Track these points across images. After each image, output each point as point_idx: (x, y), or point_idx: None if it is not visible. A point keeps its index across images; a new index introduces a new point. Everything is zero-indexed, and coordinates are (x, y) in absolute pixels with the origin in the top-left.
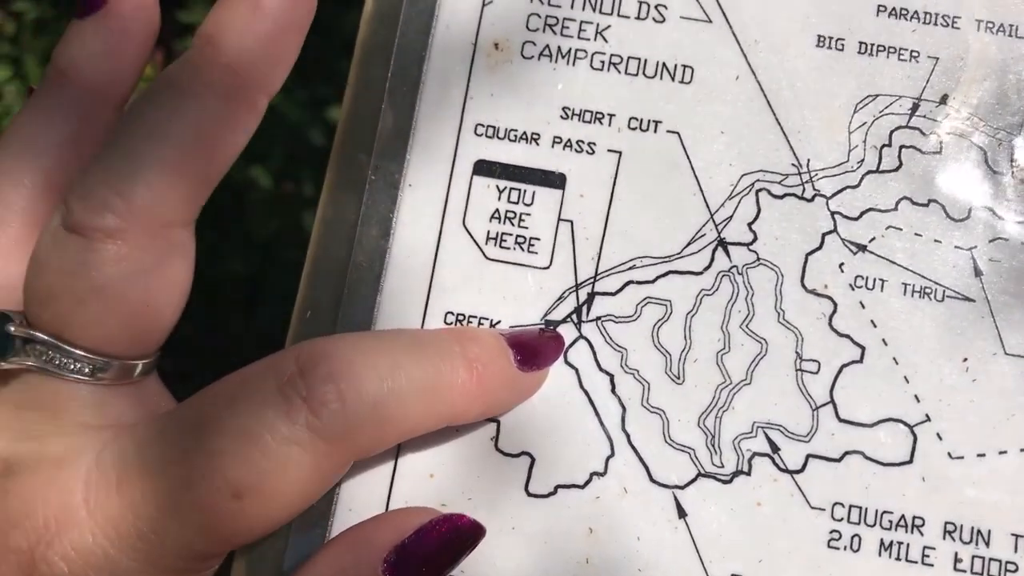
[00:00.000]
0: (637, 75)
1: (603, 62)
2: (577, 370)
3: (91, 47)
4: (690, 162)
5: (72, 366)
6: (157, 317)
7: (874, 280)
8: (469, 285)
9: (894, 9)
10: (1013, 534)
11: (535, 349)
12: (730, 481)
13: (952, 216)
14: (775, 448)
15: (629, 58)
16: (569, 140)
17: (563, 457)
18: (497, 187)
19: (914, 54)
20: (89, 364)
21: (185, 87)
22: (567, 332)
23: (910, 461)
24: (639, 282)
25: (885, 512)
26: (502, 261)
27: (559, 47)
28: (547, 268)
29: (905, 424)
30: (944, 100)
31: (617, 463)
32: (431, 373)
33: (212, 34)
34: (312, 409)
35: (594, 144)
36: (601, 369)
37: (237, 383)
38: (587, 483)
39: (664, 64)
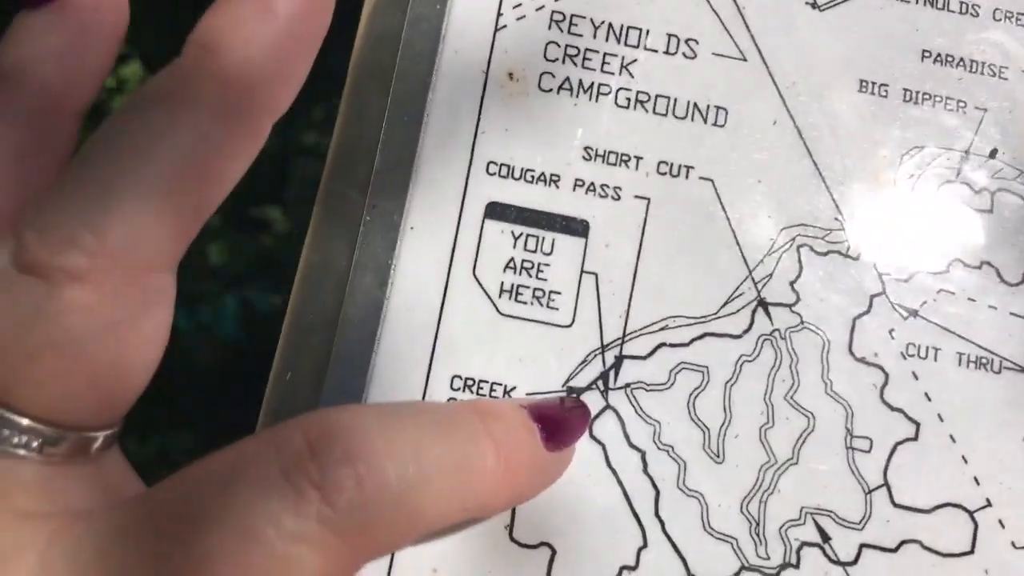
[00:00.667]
0: (666, 115)
1: (629, 99)
2: (604, 446)
3: (44, 45)
4: (725, 212)
5: (16, 439)
6: (126, 380)
7: (927, 348)
8: (480, 345)
9: (939, 55)
10: None
11: (561, 423)
12: (777, 575)
13: (1007, 280)
14: (826, 537)
15: (657, 96)
16: (592, 184)
17: (588, 549)
18: (512, 233)
19: (961, 104)
20: (37, 437)
21: (176, 102)
22: (593, 401)
23: (971, 551)
24: (672, 345)
25: None
26: (518, 317)
27: (580, 80)
28: (569, 326)
29: (965, 510)
30: (993, 155)
31: (650, 555)
32: (459, 457)
33: (210, 41)
34: (325, 498)
35: (620, 189)
36: (631, 445)
37: (230, 464)
38: None
39: (696, 104)
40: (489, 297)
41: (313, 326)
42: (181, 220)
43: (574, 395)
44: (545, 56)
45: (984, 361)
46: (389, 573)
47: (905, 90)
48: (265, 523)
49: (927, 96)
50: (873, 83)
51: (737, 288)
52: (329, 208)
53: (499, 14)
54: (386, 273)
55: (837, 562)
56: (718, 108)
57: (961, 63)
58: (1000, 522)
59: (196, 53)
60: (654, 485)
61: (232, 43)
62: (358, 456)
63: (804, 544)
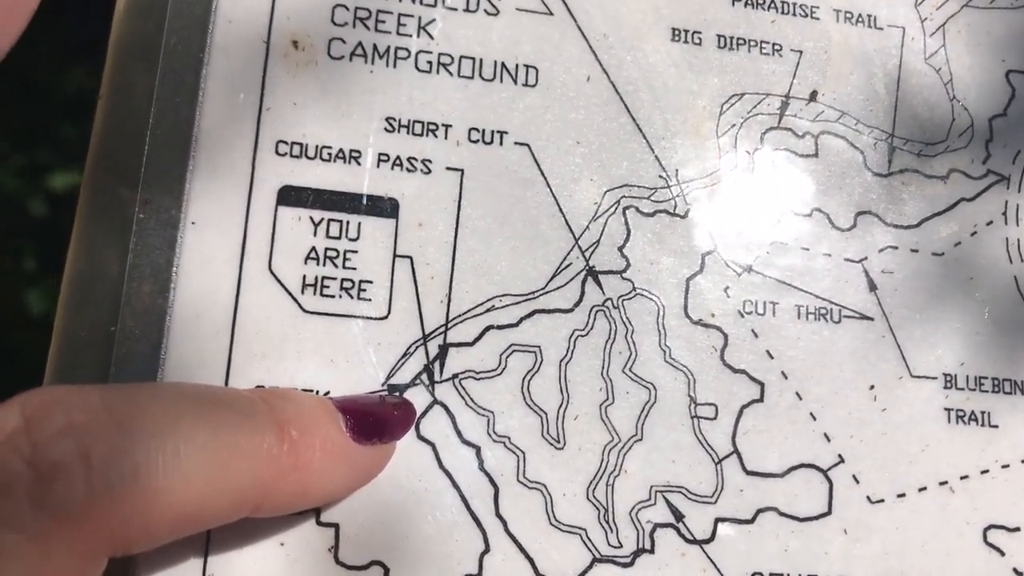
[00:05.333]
0: (473, 77)
1: (430, 63)
2: (434, 445)
3: None
4: (545, 178)
5: None
6: None
7: (764, 304)
8: (284, 347)
9: None
10: None
11: (376, 417)
12: (631, 563)
13: (838, 226)
14: (679, 516)
15: (462, 57)
16: (398, 158)
17: (425, 562)
18: (311, 219)
19: (776, 47)
20: None
21: None
22: (418, 397)
23: (828, 512)
24: (501, 326)
25: None
26: (325, 313)
27: (375, 45)
28: (385, 318)
29: (819, 469)
30: (813, 97)
31: (494, 560)
32: (225, 433)
33: None
34: (39, 474)
35: (429, 162)
36: (464, 441)
37: None
38: None
39: (504, 64)
40: (290, 293)
41: (86, 344)
42: None
43: (396, 392)
44: (333, 20)
45: (823, 312)
46: None
47: (719, 36)
48: None
49: (742, 41)
50: (686, 31)
51: (564, 259)
52: (95, 208)
53: None
54: (167, 277)
55: (693, 541)
56: (527, 67)
57: (773, 5)
58: (855, 478)
59: None
60: (492, 482)
61: None
62: (83, 427)
63: (657, 526)
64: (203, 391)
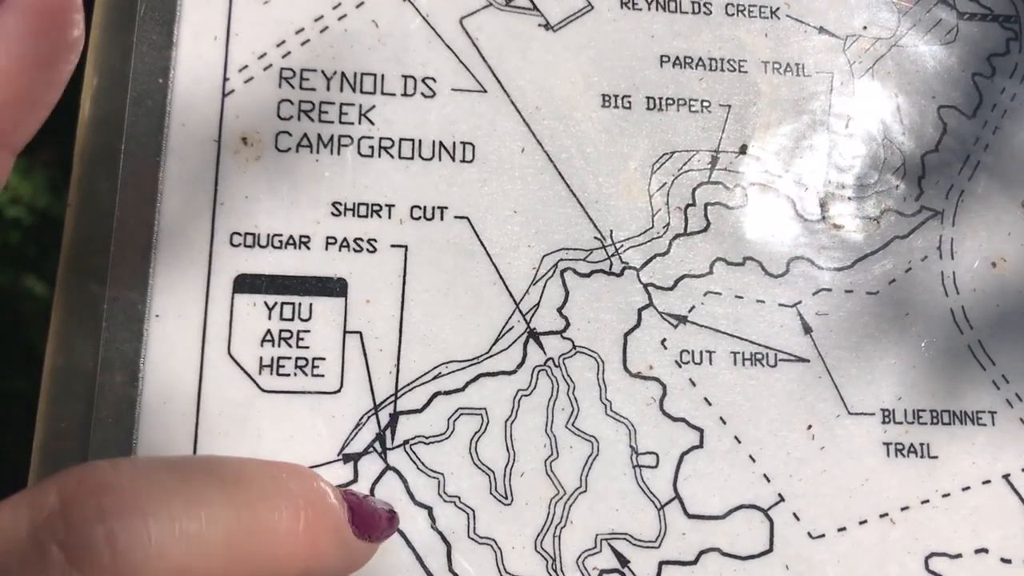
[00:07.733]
0: (413, 158)
1: (372, 147)
2: None
3: None
4: (484, 248)
5: None
6: None
7: (701, 353)
8: (245, 427)
9: (677, 58)
10: None
11: (369, 515)
12: None
13: (771, 272)
14: (624, 561)
15: (401, 140)
16: (345, 239)
17: None
18: (266, 304)
19: (705, 104)
20: None
21: None
22: (371, 464)
23: (770, 550)
24: (448, 392)
25: None
26: (282, 391)
27: (319, 135)
28: (338, 392)
29: (759, 509)
30: (743, 150)
31: None
32: (245, 512)
33: None
34: (72, 558)
35: (375, 241)
36: (417, 502)
37: None
38: None
39: (441, 143)
40: (248, 375)
41: (65, 433)
42: None
43: (352, 460)
44: (279, 115)
45: (759, 357)
46: None
47: (648, 98)
48: None
49: (671, 101)
50: (616, 96)
51: (506, 323)
52: (68, 305)
53: (225, 79)
54: (135, 367)
55: None
56: (464, 144)
57: (700, 63)
58: (795, 515)
59: None
60: (444, 540)
61: None
62: (114, 512)
63: (603, 572)
64: (229, 467)
